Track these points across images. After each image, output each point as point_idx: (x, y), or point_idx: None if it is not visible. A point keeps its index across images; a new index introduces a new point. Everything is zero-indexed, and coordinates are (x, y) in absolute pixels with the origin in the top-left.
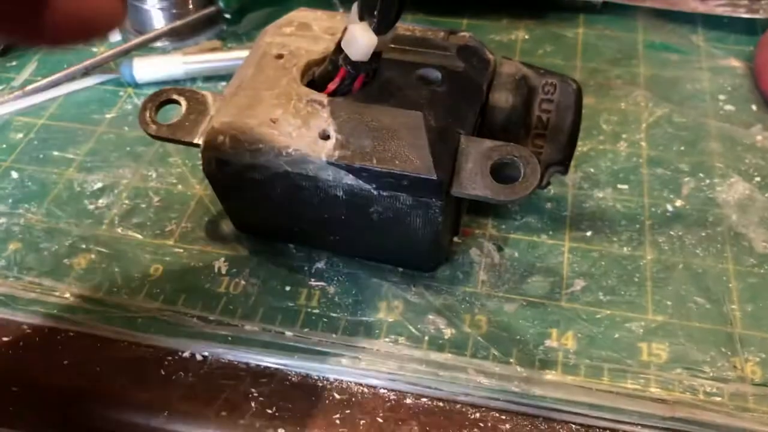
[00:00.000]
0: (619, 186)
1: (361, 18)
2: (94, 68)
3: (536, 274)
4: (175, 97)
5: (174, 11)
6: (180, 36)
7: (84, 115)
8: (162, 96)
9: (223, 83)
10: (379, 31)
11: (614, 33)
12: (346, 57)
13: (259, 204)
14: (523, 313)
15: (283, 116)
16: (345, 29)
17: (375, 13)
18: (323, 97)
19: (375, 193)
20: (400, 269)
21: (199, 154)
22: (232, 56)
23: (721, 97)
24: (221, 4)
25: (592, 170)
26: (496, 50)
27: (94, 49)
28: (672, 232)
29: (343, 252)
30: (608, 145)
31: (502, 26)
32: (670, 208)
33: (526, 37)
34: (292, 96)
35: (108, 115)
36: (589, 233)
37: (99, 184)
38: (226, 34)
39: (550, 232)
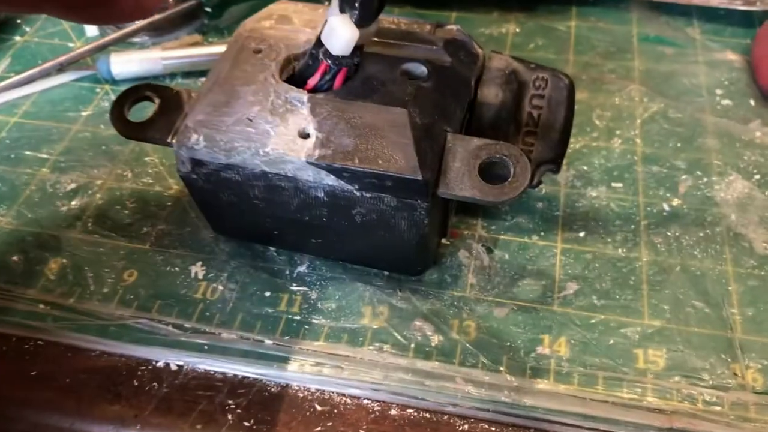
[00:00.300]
0: (614, 184)
1: (342, 10)
2: (69, 64)
3: (527, 277)
4: (147, 93)
5: None
6: (159, 30)
7: (59, 113)
8: (134, 93)
9: (204, 79)
10: (360, 23)
11: (607, 26)
12: (327, 51)
13: (236, 206)
14: (514, 319)
15: (260, 113)
16: (325, 22)
17: (356, 4)
18: (303, 94)
19: (357, 194)
20: (386, 273)
21: None
22: (213, 51)
23: (718, 91)
24: None
25: (585, 168)
26: (486, 44)
27: (70, 44)
28: (669, 233)
29: (326, 255)
30: (602, 141)
31: (492, 19)
32: (666, 207)
33: (517, 30)
34: (270, 92)
35: (84, 113)
36: (582, 234)
37: (73, 185)
38: (207, 29)
39: (542, 233)
